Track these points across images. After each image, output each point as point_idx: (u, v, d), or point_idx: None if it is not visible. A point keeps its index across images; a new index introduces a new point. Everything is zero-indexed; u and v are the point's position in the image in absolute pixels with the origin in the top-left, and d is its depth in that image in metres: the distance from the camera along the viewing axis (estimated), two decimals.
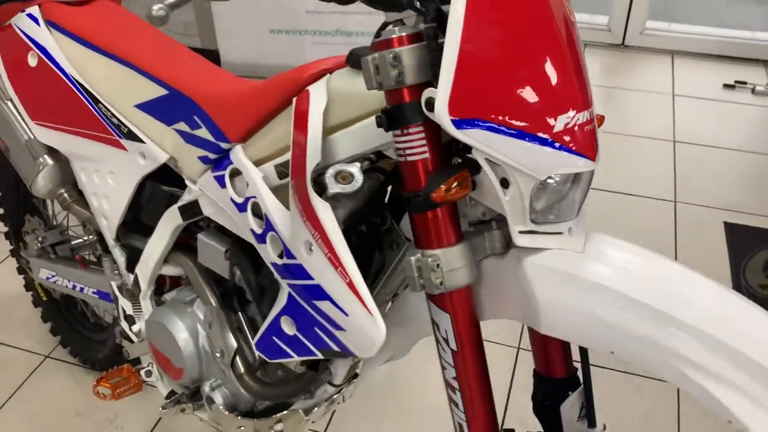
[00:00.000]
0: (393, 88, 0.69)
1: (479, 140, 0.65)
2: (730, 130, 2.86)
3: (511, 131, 0.65)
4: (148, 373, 1.28)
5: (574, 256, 0.72)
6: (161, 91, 1.08)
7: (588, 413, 0.91)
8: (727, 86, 3.13)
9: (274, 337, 0.90)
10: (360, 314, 0.77)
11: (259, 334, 0.94)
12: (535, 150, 0.66)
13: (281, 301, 0.88)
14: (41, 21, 1.22)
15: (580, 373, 0.91)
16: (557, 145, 0.67)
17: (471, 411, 0.79)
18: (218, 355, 1.06)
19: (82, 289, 1.45)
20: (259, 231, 0.88)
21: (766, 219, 2.34)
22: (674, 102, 3.00)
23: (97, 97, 1.15)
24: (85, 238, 1.56)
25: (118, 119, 1.13)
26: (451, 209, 0.73)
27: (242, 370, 1.05)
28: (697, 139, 2.76)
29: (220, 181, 0.97)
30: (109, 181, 1.19)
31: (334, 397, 1.09)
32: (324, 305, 0.80)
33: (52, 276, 1.51)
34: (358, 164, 0.79)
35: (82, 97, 1.17)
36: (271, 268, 0.88)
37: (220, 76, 1.10)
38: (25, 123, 1.29)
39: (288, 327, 0.88)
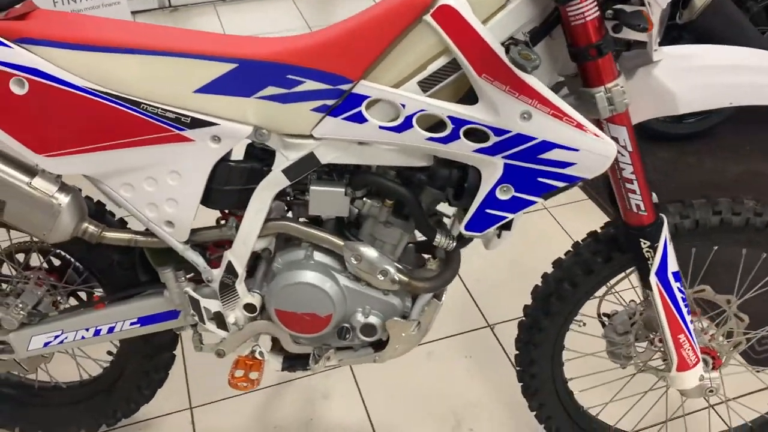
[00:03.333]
0: None
1: None
2: None
3: None
4: (261, 354, 1.29)
5: (678, 56, 1.07)
6: (227, 67, 1.07)
7: None
8: None
9: (487, 210, 1.08)
10: (591, 143, 1.01)
11: (469, 216, 1.09)
12: None
13: (494, 174, 1.05)
14: (9, 42, 1.06)
15: None
16: None
17: (642, 189, 1.12)
18: (380, 277, 1.17)
19: (111, 329, 1.31)
20: (445, 133, 1.03)
21: None
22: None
23: (135, 99, 1.08)
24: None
25: (174, 112, 1.09)
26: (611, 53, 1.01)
27: (407, 278, 1.18)
28: None
29: (356, 118, 1.05)
30: (170, 182, 1.14)
31: None
32: (551, 154, 1.02)
33: (57, 336, 1.32)
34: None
35: (112, 104, 1.08)
36: (476, 155, 1.04)
37: (271, 39, 1.13)
38: (19, 169, 1.13)
39: (504, 194, 1.06)
